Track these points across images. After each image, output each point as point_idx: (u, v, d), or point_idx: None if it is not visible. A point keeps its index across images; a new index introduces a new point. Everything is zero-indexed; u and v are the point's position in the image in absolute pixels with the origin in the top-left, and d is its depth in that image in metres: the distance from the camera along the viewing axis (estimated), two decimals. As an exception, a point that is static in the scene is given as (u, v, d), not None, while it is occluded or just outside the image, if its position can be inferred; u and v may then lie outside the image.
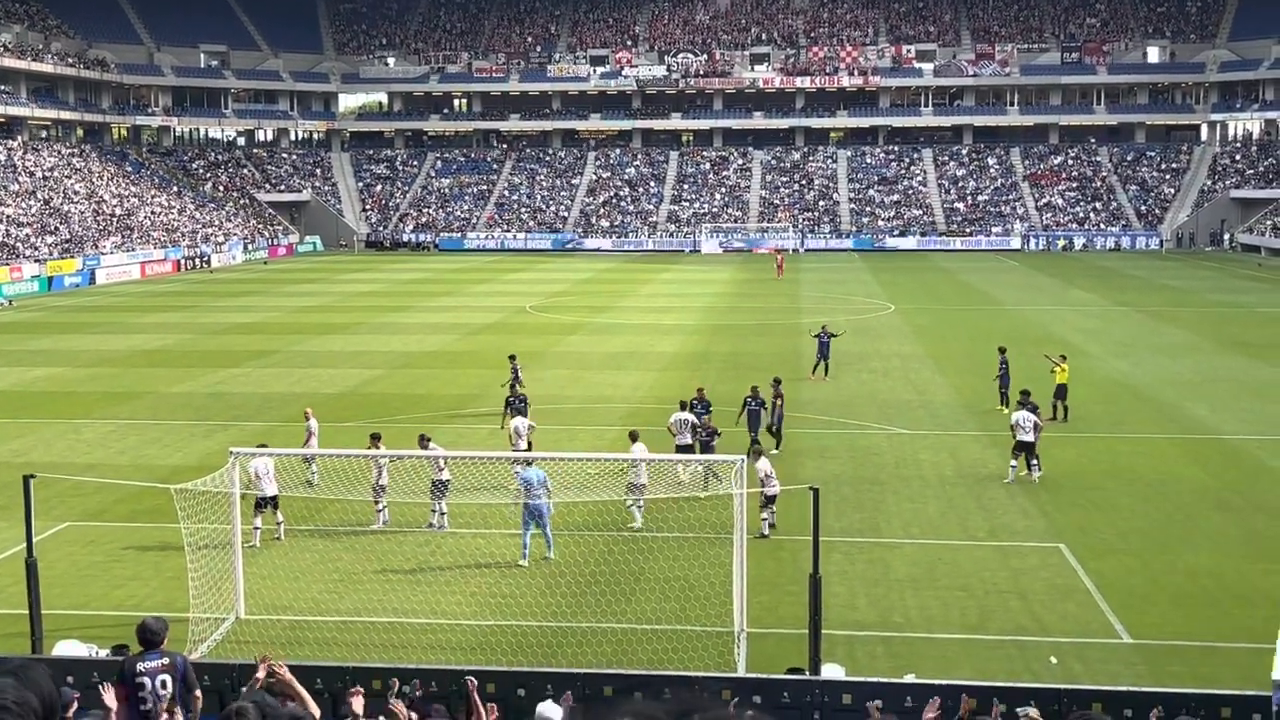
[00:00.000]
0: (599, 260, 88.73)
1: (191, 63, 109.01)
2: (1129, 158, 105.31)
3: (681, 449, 25.03)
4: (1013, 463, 25.48)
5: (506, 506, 22.61)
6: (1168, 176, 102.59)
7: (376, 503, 22.67)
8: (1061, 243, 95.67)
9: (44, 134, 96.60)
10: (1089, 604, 18.56)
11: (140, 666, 10.81)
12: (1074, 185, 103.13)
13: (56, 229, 78.81)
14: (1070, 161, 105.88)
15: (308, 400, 33.86)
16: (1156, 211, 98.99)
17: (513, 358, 33.40)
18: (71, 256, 75.23)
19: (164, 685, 10.75)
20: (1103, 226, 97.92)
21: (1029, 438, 25.17)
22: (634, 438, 23.39)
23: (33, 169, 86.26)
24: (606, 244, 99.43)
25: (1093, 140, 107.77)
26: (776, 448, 27.89)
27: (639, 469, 22.32)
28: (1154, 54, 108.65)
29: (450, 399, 34.96)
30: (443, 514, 22.33)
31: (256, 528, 21.32)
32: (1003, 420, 30.58)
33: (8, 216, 76.91)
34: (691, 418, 25.69)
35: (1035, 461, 25.36)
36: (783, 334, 47.43)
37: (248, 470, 20.57)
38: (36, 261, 71.87)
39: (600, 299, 61.57)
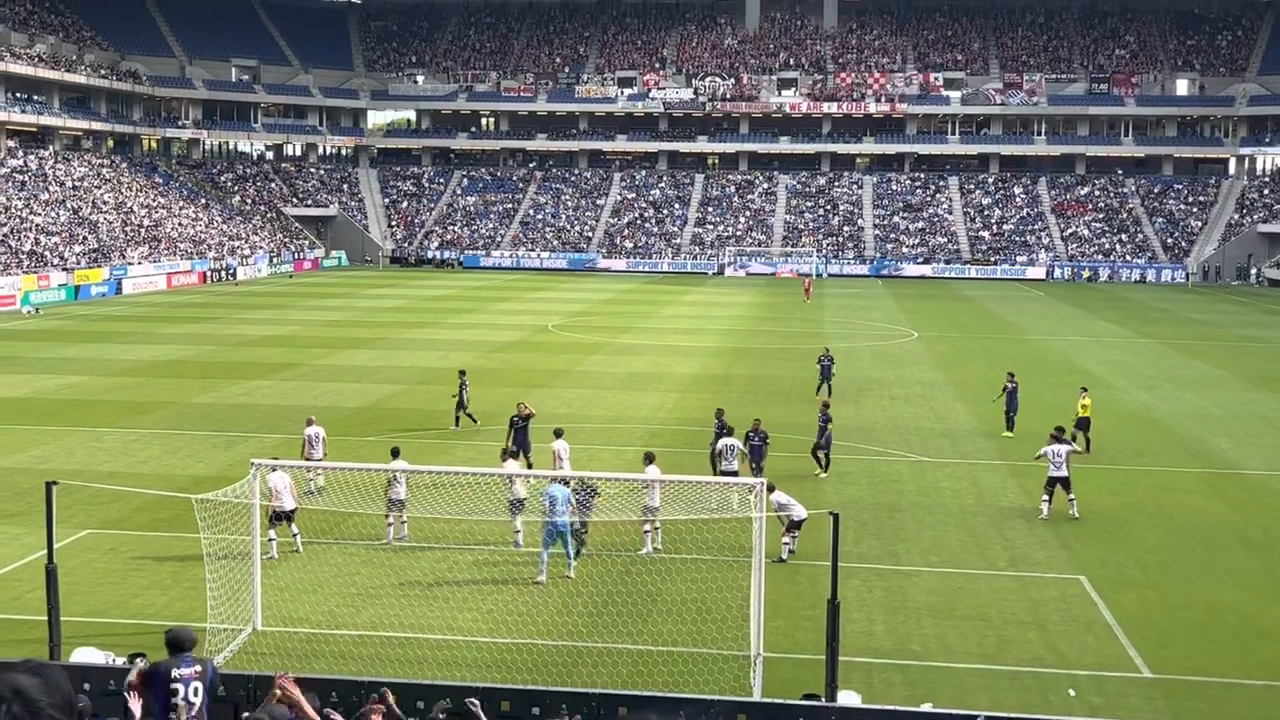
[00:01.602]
0: (621, 281, 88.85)
1: (222, 77, 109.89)
2: (1156, 190, 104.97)
3: (726, 475, 24.68)
4: (1045, 497, 24.96)
5: (529, 523, 22.56)
6: (1195, 209, 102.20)
7: (387, 516, 22.62)
8: (1086, 273, 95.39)
9: (75, 144, 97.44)
10: (1109, 637, 18.42)
11: (175, 673, 11.15)
12: (1100, 216, 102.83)
13: (85, 238, 79.41)
14: (1097, 192, 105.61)
15: (328, 414, 34.00)
16: (1183, 244, 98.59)
17: (462, 373, 33.92)
18: (99, 266, 75.79)
19: (196, 693, 11.21)
20: (1128, 258, 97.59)
21: (1063, 473, 24.76)
22: (649, 459, 23.33)
23: (63, 179, 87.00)
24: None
25: (1120, 171, 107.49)
26: (825, 470, 28.10)
27: (652, 490, 22.22)
28: (1183, 86, 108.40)
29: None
30: (517, 531, 22.37)
31: (272, 539, 21.32)
32: (1021, 448, 30.49)
33: (37, 225, 77.54)
34: (738, 443, 25.35)
35: (1072, 496, 24.91)
36: (805, 358, 47.24)
37: (268, 484, 20.62)
38: (64, 270, 72.41)
39: (622, 319, 61.62)
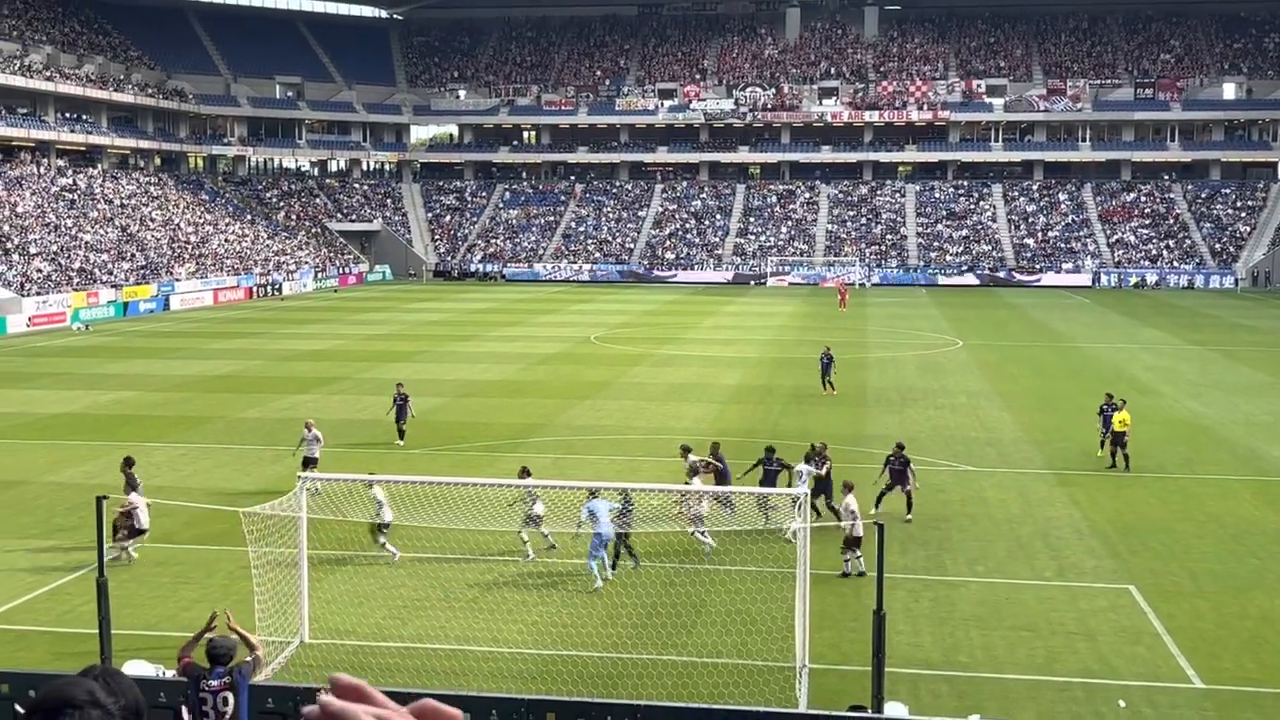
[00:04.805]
0: (664, 292, 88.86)
1: (267, 94, 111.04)
2: (1203, 195, 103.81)
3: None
4: (845, 556, 21.54)
5: (570, 535, 22.61)
6: (1243, 214, 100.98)
7: (377, 540, 22.19)
8: (1134, 280, 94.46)
9: (123, 163, 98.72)
10: (1159, 647, 18.20)
11: (204, 684, 11.55)
12: (1147, 222, 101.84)
13: (133, 255, 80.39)
14: (1143, 198, 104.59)
15: (373, 427, 34.21)
16: (1231, 249, 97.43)
17: (399, 385, 33.89)
18: (147, 283, 76.70)
19: (224, 702, 11.54)
20: (1176, 264, 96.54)
21: (860, 532, 21.35)
22: (695, 470, 23.31)
23: (111, 197, 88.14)
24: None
25: (1166, 177, 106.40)
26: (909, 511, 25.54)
27: (700, 500, 22.23)
28: (1229, 90, 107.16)
29: (513, 428, 35.11)
30: (549, 544, 22.43)
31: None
32: (1072, 458, 30.25)
33: (86, 243, 78.59)
34: (810, 468, 24.59)
35: (859, 554, 21.50)
36: (848, 369, 46.91)
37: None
38: (113, 287, 73.33)
39: (665, 330, 61.61)
